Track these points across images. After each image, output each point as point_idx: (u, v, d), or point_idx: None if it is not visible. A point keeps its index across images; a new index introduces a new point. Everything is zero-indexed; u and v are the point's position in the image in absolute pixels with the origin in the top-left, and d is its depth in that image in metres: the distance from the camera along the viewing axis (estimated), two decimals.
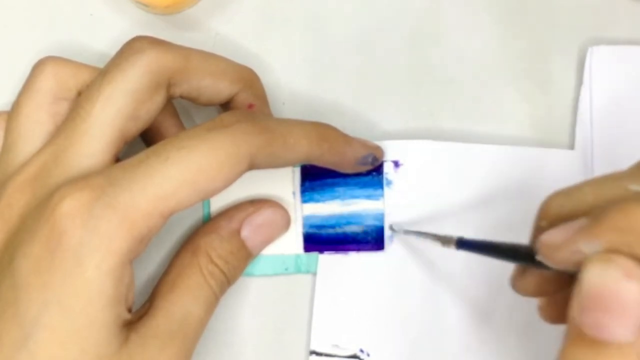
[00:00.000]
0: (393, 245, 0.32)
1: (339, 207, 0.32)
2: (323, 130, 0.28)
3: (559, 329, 0.31)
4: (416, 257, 0.32)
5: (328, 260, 0.32)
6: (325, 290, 0.32)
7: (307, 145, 0.27)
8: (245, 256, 0.30)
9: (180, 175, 0.25)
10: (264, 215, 0.31)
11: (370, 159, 0.31)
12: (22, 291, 0.24)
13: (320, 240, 0.32)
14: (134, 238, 0.25)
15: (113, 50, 0.29)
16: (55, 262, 0.24)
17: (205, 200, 0.30)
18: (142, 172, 0.25)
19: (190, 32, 0.34)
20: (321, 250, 0.32)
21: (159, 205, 0.25)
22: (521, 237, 0.32)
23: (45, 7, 0.35)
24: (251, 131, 0.26)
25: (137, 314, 0.27)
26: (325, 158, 0.29)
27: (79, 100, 0.28)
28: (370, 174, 0.32)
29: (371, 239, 0.32)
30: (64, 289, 0.24)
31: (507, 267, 0.32)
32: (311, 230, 0.32)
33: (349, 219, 0.32)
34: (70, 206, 0.24)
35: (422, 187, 0.32)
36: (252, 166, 0.26)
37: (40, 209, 0.25)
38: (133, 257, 0.25)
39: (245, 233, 0.30)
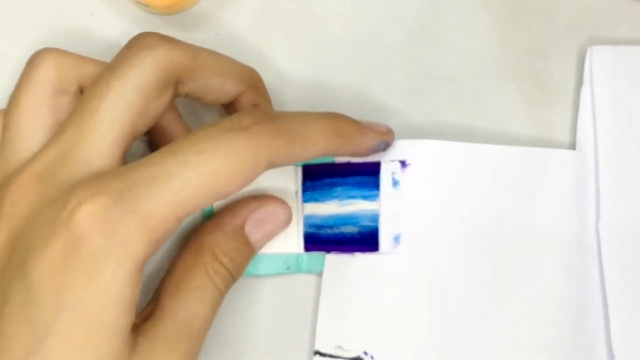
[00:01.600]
0: (400, 247, 0.32)
1: (336, 208, 0.32)
2: (339, 125, 0.28)
3: (561, 334, 0.31)
4: (423, 259, 0.32)
5: (334, 260, 0.32)
6: (331, 291, 0.32)
7: (325, 142, 0.27)
8: (248, 252, 0.30)
9: (199, 179, 0.24)
10: (267, 211, 0.30)
11: (382, 146, 0.31)
12: (36, 295, 0.24)
13: (320, 240, 0.32)
14: (151, 243, 0.24)
15: (113, 50, 0.28)
16: (71, 267, 0.23)
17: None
18: (160, 176, 0.24)
19: (191, 32, 0.34)
20: (321, 250, 0.32)
21: (177, 209, 0.24)
22: (523, 237, 0.32)
23: (45, 7, 0.34)
24: (271, 134, 0.26)
25: (140, 315, 0.27)
26: (340, 151, 0.29)
27: (86, 95, 0.27)
28: (367, 174, 0.32)
29: (365, 240, 0.32)
30: (80, 295, 0.23)
31: (509, 269, 0.32)
32: (311, 230, 0.32)
33: (345, 220, 0.32)
34: (87, 211, 0.24)
35: (430, 187, 0.32)
36: (270, 167, 0.26)
37: (53, 211, 0.24)
38: (147, 260, 0.25)
39: (248, 228, 0.30)
